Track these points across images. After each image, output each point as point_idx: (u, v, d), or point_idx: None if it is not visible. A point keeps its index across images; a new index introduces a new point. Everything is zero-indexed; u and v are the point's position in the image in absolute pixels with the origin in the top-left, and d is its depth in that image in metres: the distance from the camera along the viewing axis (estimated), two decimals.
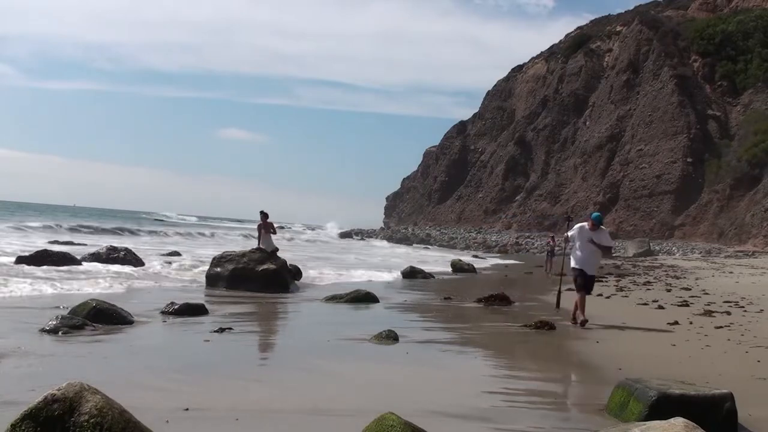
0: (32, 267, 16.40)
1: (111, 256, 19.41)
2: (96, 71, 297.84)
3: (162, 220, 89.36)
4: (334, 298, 14.10)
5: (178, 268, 20.40)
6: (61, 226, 43.29)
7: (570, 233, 11.72)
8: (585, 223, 11.48)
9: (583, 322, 11.00)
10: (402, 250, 51.19)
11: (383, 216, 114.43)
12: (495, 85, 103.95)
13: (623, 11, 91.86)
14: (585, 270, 11.32)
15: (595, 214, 11.81)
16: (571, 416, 5.73)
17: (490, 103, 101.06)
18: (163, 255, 24.95)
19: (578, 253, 11.42)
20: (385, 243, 64.82)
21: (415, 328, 10.66)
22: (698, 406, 5.13)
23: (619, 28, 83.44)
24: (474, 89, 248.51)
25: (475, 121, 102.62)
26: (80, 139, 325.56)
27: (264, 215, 17.72)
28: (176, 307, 11.10)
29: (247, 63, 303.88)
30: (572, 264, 11.57)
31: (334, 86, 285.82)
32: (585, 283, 11.36)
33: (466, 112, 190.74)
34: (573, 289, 11.87)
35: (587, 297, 11.40)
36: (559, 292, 13.88)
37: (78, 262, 18.26)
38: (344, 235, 74.39)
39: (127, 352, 7.95)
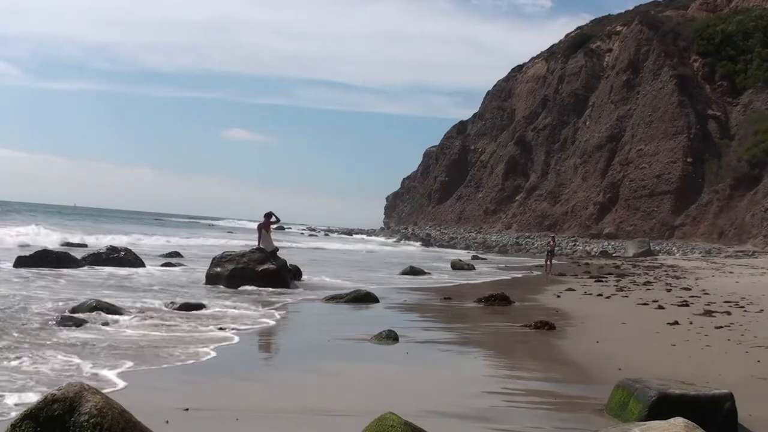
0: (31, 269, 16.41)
1: (111, 256, 19.38)
2: (96, 71, 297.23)
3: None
4: (334, 298, 14.10)
5: (179, 268, 20.44)
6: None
7: None
8: None
9: None
10: (402, 249, 51.21)
11: (383, 216, 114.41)
12: (495, 85, 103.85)
13: (623, 11, 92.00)
14: None
15: None
16: (571, 416, 5.73)
17: (490, 103, 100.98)
18: (163, 256, 24.96)
19: None
20: (384, 241, 64.88)
21: (415, 328, 10.66)
22: (698, 406, 5.13)
23: (619, 28, 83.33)
24: (474, 89, 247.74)
25: (475, 121, 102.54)
26: (80, 139, 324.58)
27: (268, 215, 17.74)
28: (176, 306, 11.19)
29: (247, 63, 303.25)
30: None
31: (334, 86, 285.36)
32: None
33: (466, 112, 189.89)
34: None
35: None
36: None
37: (78, 263, 18.25)
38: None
39: None
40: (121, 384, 6.18)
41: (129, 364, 6.94)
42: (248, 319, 10.80)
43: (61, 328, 8.78)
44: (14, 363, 6.77)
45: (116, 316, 9.89)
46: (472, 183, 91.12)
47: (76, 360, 7.04)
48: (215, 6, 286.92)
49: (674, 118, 64.18)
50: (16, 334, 8.14)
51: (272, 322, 10.73)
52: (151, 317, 10.20)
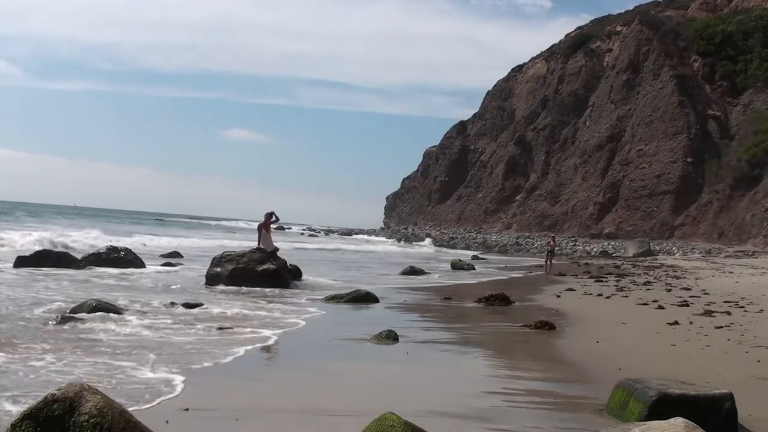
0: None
1: (111, 256, 19.36)
2: (96, 71, 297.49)
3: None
4: (334, 298, 14.10)
5: (179, 268, 20.44)
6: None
7: None
8: None
9: None
10: (401, 249, 51.17)
11: (383, 216, 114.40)
12: (495, 85, 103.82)
13: (623, 11, 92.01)
14: None
15: None
16: (571, 416, 5.73)
17: (490, 103, 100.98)
18: (163, 256, 24.95)
19: None
20: (384, 240, 64.82)
21: (415, 328, 10.66)
22: (698, 406, 5.13)
23: (619, 28, 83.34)
24: (474, 89, 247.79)
25: (475, 121, 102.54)
26: (80, 139, 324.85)
27: (268, 216, 17.75)
28: (177, 306, 11.20)
29: (247, 63, 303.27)
30: None
31: (334, 86, 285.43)
32: None
33: (466, 112, 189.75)
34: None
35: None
36: None
37: (78, 263, 18.23)
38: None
39: None
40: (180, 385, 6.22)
41: (176, 368, 6.93)
42: (247, 319, 10.80)
43: (66, 328, 8.79)
44: (40, 363, 6.80)
45: (117, 316, 9.88)
46: (472, 183, 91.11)
47: (123, 363, 7.06)
48: (215, 6, 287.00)
49: (674, 118, 64.18)
50: (23, 335, 8.15)
51: (272, 321, 10.73)
52: (153, 317, 10.21)
